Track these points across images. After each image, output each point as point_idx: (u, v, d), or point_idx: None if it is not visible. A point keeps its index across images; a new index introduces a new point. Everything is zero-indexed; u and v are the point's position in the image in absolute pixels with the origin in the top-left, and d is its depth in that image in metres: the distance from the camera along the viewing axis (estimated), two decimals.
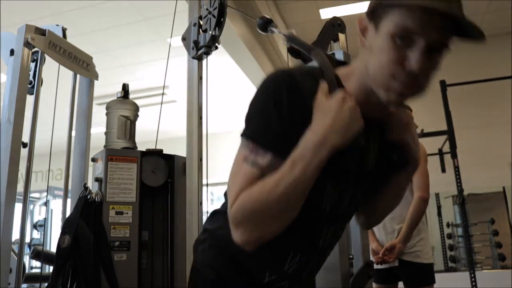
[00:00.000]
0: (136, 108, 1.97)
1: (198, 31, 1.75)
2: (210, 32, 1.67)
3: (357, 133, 0.78)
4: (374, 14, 0.78)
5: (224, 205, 0.98)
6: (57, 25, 1.89)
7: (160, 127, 2.03)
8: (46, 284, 1.54)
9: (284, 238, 0.83)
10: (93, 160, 1.83)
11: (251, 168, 0.79)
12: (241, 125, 0.85)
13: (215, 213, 1.02)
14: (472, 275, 3.67)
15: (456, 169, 3.86)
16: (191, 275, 1.01)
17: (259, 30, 1.20)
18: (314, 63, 0.90)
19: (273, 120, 0.79)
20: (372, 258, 2.49)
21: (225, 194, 0.94)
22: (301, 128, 0.78)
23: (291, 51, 2.16)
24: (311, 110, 0.79)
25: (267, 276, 0.92)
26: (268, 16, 1.21)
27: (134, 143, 1.93)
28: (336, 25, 2.02)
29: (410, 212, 2.41)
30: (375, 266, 2.44)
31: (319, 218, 0.89)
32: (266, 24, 1.18)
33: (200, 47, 1.72)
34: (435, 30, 0.73)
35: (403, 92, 0.76)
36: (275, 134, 0.79)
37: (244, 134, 0.82)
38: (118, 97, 1.95)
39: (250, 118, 0.83)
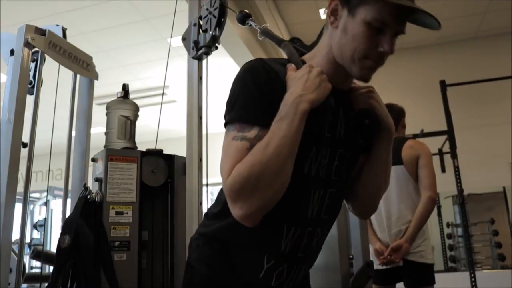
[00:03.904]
0: (136, 108, 1.97)
1: (198, 31, 1.75)
2: (211, 32, 1.67)
3: (327, 92, 0.88)
4: (349, 0, 0.90)
5: (215, 205, 1.02)
6: (57, 25, 1.88)
7: (160, 127, 2.03)
8: (46, 284, 1.54)
9: (276, 212, 0.87)
10: (93, 160, 1.83)
11: (241, 142, 0.85)
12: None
13: (207, 215, 1.05)
14: (472, 275, 3.67)
15: (456, 169, 3.86)
16: (185, 271, 1.04)
17: (238, 23, 1.30)
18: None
19: (255, 97, 0.87)
20: (373, 258, 2.49)
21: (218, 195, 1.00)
22: (280, 101, 0.86)
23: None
24: (285, 86, 0.88)
25: (265, 263, 0.94)
26: (247, 11, 1.31)
27: (134, 143, 1.93)
28: None
29: (419, 211, 2.41)
30: (376, 267, 2.44)
31: (305, 185, 0.94)
32: (244, 18, 1.29)
33: (200, 47, 1.72)
34: (403, 22, 0.90)
35: (372, 67, 0.92)
36: (258, 108, 0.87)
37: (229, 120, 0.89)
38: (118, 97, 1.95)
39: (232, 103, 0.90)
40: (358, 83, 1.02)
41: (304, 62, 0.95)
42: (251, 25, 1.28)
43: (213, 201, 1.05)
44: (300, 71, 0.89)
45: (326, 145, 0.94)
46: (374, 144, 1.04)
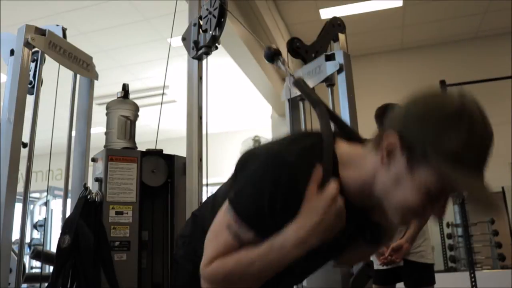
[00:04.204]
0: (136, 108, 1.97)
1: (198, 31, 1.75)
2: (211, 32, 1.67)
3: (338, 231, 0.80)
4: (411, 149, 0.75)
5: (201, 211, 1.06)
6: (57, 25, 1.89)
7: (160, 127, 2.03)
8: (46, 284, 1.54)
9: None
10: (93, 160, 1.83)
11: (232, 239, 0.82)
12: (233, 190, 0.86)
13: (192, 216, 1.09)
14: (472, 275, 3.66)
15: None
16: (172, 266, 1.06)
17: (265, 60, 1.12)
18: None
19: (265, 207, 0.80)
20: (373, 258, 2.48)
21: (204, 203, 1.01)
22: (290, 219, 0.80)
23: (291, 51, 2.17)
24: (303, 199, 0.80)
25: None
26: (275, 46, 1.12)
27: (134, 143, 1.93)
28: (336, 25, 2.02)
29: None
30: (376, 267, 2.44)
31: (284, 276, 0.91)
32: (273, 56, 1.10)
33: (200, 47, 1.72)
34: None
35: (414, 220, 0.81)
36: (263, 220, 0.81)
37: (234, 205, 0.84)
38: (118, 97, 1.95)
39: (243, 190, 0.84)
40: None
41: (335, 163, 0.83)
42: (280, 66, 1.10)
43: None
44: (321, 201, 0.78)
45: (322, 255, 0.92)
46: (363, 242, 0.98)
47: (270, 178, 0.80)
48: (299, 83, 0.98)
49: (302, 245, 0.78)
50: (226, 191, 0.96)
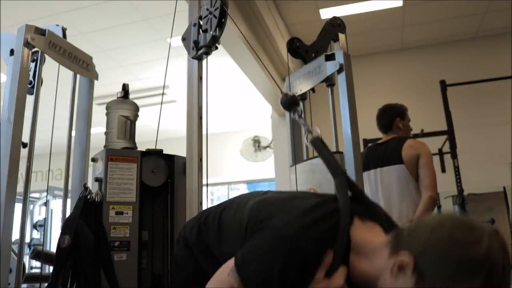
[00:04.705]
0: (136, 108, 1.97)
1: (198, 31, 1.75)
2: (211, 32, 1.67)
3: None
4: (423, 275, 0.73)
5: (206, 224, 1.07)
6: (57, 25, 1.88)
7: (160, 127, 2.03)
8: (46, 284, 1.54)
9: None
10: (93, 160, 1.83)
11: None
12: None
13: (198, 227, 1.09)
14: None
15: (456, 169, 3.86)
16: (172, 265, 1.06)
17: (281, 107, 1.05)
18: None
19: (272, 285, 0.81)
20: None
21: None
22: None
23: (291, 51, 2.17)
24: (310, 281, 0.80)
25: None
26: (291, 93, 1.04)
27: (134, 143, 1.93)
28: (336, 25, 2.03)
29: (420, 210, 2.42)
30: None
31: None
32: (291, 105, 1.02)
33: (200, 47, 1.72)
34: None
35: None
36: None
37: (241, 272, 0.84)
38: (118, 97, 1.95)
39: (252, 261, 0.84)
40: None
41: (348, 247, 0.83)
42: (297, 119, 1.03)
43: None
44: None
45: None
46: None
47: (282, 260, 0.80)
48: (317, 143, 0.92)
49: None
50: (236, 227, 0.95)
